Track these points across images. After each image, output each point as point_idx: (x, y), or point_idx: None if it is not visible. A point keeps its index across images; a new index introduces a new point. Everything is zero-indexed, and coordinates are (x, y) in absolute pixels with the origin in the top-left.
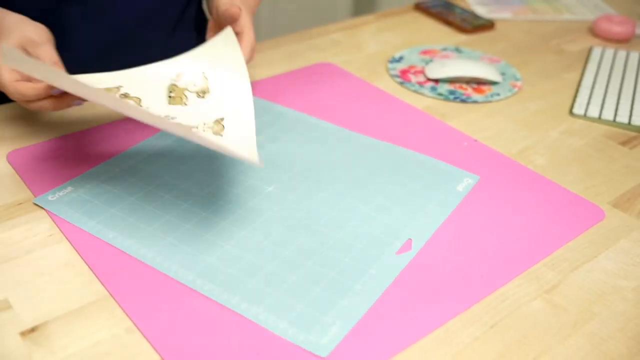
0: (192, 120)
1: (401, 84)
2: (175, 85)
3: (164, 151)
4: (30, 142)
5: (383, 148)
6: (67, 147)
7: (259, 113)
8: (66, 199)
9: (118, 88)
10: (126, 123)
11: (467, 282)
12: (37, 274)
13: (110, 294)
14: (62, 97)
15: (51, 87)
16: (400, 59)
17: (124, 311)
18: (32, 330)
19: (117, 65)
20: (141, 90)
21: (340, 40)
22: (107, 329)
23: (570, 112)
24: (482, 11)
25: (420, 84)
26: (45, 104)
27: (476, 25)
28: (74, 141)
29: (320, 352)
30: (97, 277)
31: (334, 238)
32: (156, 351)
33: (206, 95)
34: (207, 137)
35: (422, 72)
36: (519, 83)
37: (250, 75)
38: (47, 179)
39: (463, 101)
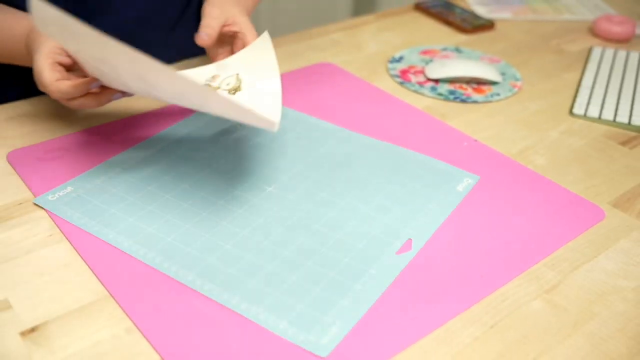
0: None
1: (401, 84)
2: (209, 85)
3: (164, 151)
4: (30, 142)
5: (383, 148)
6: (67, 147)
7: None
8: (66, 199)
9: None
10: (126, 123)
11: (467, 282)
12: (37, 274)
13: (110, 294)
14: (102, 92)
15: (91, 82)
16: (400, 59)
17: (124, 311)
18: (32, 330)
19: None
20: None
21: (340, 40)
22: (107, 329)
23: (570, 112)
24: (482, 11)
25: (420, 84)
26: (86, 100)
27: (476, 25)
28: (74, 141)
29: (320, 352)
30: (97, 277)
31: (334, 238)
32: (156, 351)
33: (237, 93)
34: (229, 98)
35: (422, 72)
36: (519, 83)
37: None
38: (47, 179)
39: (463, 101)
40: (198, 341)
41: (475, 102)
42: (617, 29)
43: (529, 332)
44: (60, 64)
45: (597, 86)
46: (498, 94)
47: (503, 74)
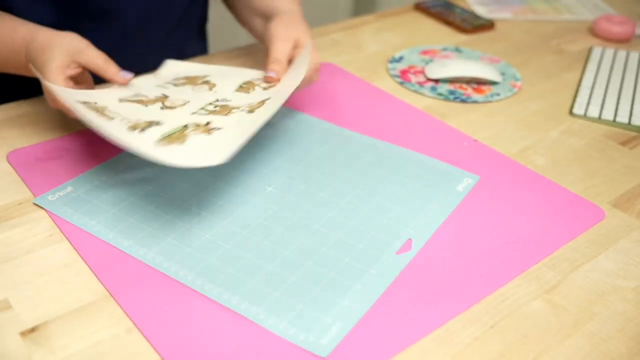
0: (241, 101)
1: (401, 84)
2: (251, 82)
3: None
4: (30, 142)
5: (383, 148)
6: (67, 147)
7: None
8: (66, 199)
9: (204, 77)
10: None
11: (467, 282)
12: (37, 274)
13: (110, 294)
14: None
15: None
16: (400, 59)
17: (124, 311)
18: (32, 330)
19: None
20: (221, 78)
21: (340, 40)
22: (107, 329)
23: (570, 112)
24: (482, 11)
25: (420, 84)
26: None
27: (476, 25)
28: (74, 141)
29: (320, 352)
30: (97, 277)
31: (334, 238)
32: (156, 351)
33: (269, 88)
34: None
35: (422, 72)
36: (519, 83)
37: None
38: (47, 179)
39: (463, 101)
40: (198, 341)
41: (475, 102)
42: (617, 29)
43: (529, 332)
44: (71, 78)
45: (597, 86)
46: (498, 94)
47: (503, 74)
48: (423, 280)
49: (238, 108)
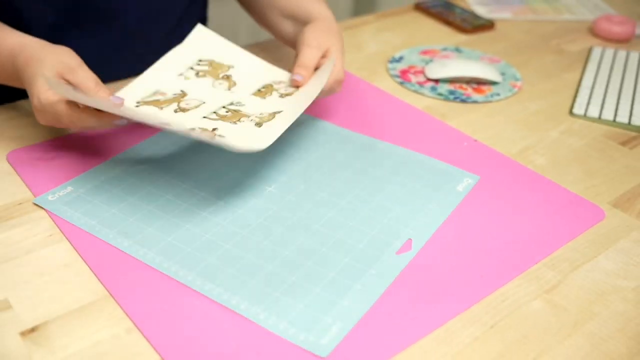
0: (255, 109)
1: (401, 84)
2: (271, 85)
3: (164, 151)
4: (30, 142)
5: (383, 148)
6: (67, 147)
7: None
8: (66, 199)
9: (228, 67)
10: None
11: (467, 282)
12: (37, 274)
13: (110, 294)
14: (105, 114)
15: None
16: (400, 59)
17: (124, 311)
18: (32, 330)
19: (119, 62)
20: (243, 74)
21: None
22: (107, 329)
23: (570, 112)
24: (482, 11)
25: (420, 84)
26: (90, 120)
27: (476, 25)
28: (74, 141)
29: (320, 352)
30: (97, 277)
31: (334, 238)
32: (156, 351)
33: (286, 97)
34: (207, 138)
35: (422, 72)
36: (519, 83)
37: None
38: (47, 179)
39: (463, 101)
40: (198, 341)
41: (475, 102)
42: (617, 29)
43: (529, 332)
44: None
45: (597, 86)
46: (498, 94)
47: (503, 74)
48: (423, 280)
49: (248, 117)
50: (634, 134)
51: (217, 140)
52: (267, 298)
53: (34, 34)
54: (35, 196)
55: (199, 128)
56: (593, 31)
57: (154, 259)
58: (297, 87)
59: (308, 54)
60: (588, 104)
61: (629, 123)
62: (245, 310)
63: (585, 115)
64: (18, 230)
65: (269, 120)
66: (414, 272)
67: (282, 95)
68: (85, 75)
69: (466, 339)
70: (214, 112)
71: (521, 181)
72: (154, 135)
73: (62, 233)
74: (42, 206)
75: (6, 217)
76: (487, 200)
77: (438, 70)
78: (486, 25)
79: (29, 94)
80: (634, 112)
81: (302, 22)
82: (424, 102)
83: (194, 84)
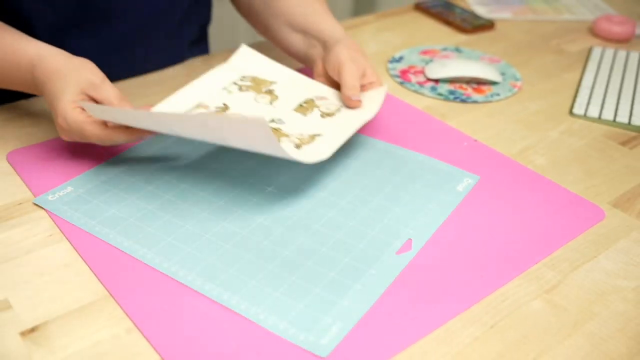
0: (294, 129)
1: (401, 84)
2: (312, 100)
3: (164, 151)
4: (30, 142)
5: (383, 148)
6: (67, 147)
7: None
8: (66, 199)
9: (270, 83)
10: None
11: (467, 282)
12: (37, 274)
13: (110, 294)
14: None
15: (143, 133)
16: (400, 59)
17: (124, 311)
18: (32, 330)
19: (122, 63)
20: (286, 90)
21: None
22: (107, 329)
23: (570, 112)
24: (482, 11)
25: (420, 84)
26: (119, 135)
27: (476, 25)
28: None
29: (320, 352)
30: (97, 277)
31: (334, 238)
32: (156, 351)
33: (327, 118)
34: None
35: (422, 72)
36: (519, 83)
37: None
38: (47, 179)
39: (463, 101)
40: (198, 341)
41: (475, 102)
42: (617, 29)
43: (529, 332)
44: (83, 109)
45: (597, 86)
46: (498, 94)
47: (503, 74)
48: (423, 280)
49: (287, 136)
50: (634, 134)
51: (271, 141)
52: (267, 298)
53: (35, 35)
54: (35, 196)
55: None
56: (593, 31)
57: (154, 259)
58: (353, 107)
59: (352, 74)
60: (588, 104)
61: (629, 123)
62: (245, 310)
63: (585, 115)
64: (18, 230)
65: (308, 143)
66: (414, 272)
67: (323, 115)
68: (108, 91)
69: (466, 339)
70: None
71: (521, 181)
72: (154, 135)
73: (62, 233)
74: (42, 206)
75: (6, 217)
76: (487, 200)
77: (438, 70)
78: (486, 25)
79: (52, 110)
80: (634, 112)
81: (313, 37)
82: (424, 102)
83: (237, 97)
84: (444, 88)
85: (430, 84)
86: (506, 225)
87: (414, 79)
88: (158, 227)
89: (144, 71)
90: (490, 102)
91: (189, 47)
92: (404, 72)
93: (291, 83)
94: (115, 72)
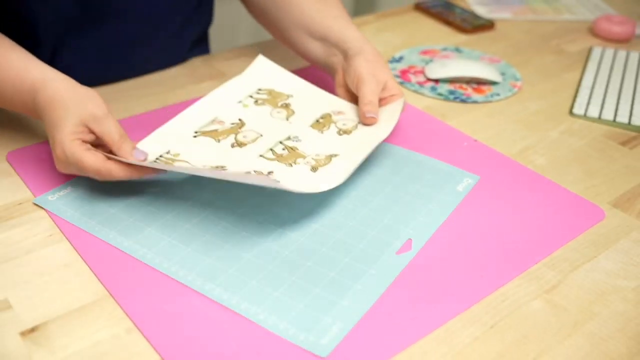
0: (311, 148)
1: (401, 84)
2: (329, 115)
3: None
4: (30, 142)
5: (383, 148)
6: None
7: None
8: (66, 199)
9: (287, 96)
10: (126, 123)
11: (467, 282)
12: (37, 274)
13: (110, 294)
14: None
15: (151, 172)
16: (400, 59)
17: (124, 311)
18: (32, 330)
19: (123, 64)
20: (302, 103)
21: None
22: (107, 329)
23: (570, 112)
24: (482, 11)
25: (420, 84)
26: (120, 171)
27: (476, 25)
28: None
29: (320, 352)
30: (97, 277)
31: (334, 238)
32: (156, 351)
33: (344, 136)
34: (267, 179)
35: (422, 72)
36: (519, 83)
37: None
38: (47, 179)
39: (463, 101)
40: (198, 341)
41: (475, 102)
42: (617, 29)
43: (529, 332)
44: (84, 141)
45: (597, 86)
46: (498, 94)
47: (503, 74)
48: (423, 280)
49: (304, 157)
50: (634, 134)
51: (272, 183)
52: (267, 298)
53: (35, 35)
54: (35, 196)
55: (254, 171)
56: (593, 31)
57: (154, 259)
58: (369, 124)
59: (371, 89)
60: (588, 104)
61: (629, 123)
62: (245, 310)
63: (585, 115)
64: (18, 230)
65: (324, 164)
66: (414, 272)
67: (340, 132)
68: (110, 126)
69: (466, 339)
70: (271, 150)
71: (521, 181)
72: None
73: (62, 233)
74: (42, 206)
75: (6, 217)
76: (487, 200)
77: (438, 70)
78: (486, 25)
79: (50, 140)
80: (634, 112)
81: (334, 45)
82: (424, 102)
83: (252, 112)
84: (444, 88)
85: (430, 84)
86: (506, 225)
87: (414, 79)
88: (158, 227)
89: (144, 72)
90: (490, 102)
91: (192, 49)
92: (404, 72)
93: (308, 96)
94: (115, 72)
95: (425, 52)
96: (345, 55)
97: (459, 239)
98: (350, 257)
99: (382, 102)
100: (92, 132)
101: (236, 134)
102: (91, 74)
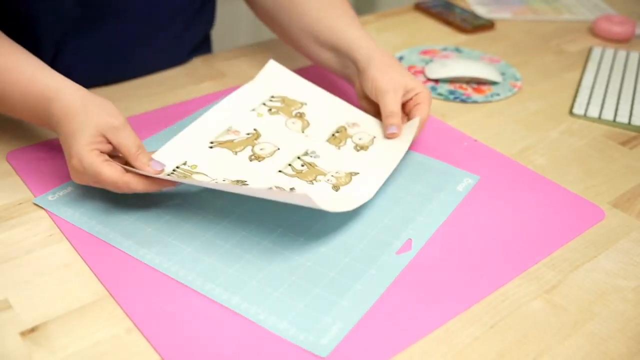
0: (330, 164)
1: None
2: (345, 128)
3: None
4: (30, 142)
5: None
6: None
7: None
8: (66, 199)
9: (300, 104)
10: None
11: (467, 282)
12: (37, 274)
13: (110, 294)
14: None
15: (166, 184)
16: (400, 59)
17: (124, 311)
18: (32, 330)
19: (123, 64)
20: (316, 112)
21: None
22: (107, 329)
23: (570, 112)
24: (482, 11)
25: None
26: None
27: (476, 25)
28: None
29: (320, 352)
30: (97, 277)
31: (334, 238)
32: (156, 351)
33: (361, 152)
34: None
35: (422, 72)
36: (519, 83)
37: (250, 74)
38: (47, 179)
39: (463, 101)
40: (198, 341)
41: (475, 102)
42: (617, 29)
43: (529, 332)
44: (102, 152)
45: (597, 86)
46: (498, 94)
47: (503, 74)
48: (423, 280)
49: (324, 175)
50: (634, 134)
51: (296, 198)
52: (267, 298)
53: (36, 34)
54: (35, 196)
55: (276, 187)
56: (593, 31)
57: (154, 259)
58: (391, 139)
59: (392, 99)
60: (588, 104)
61: (629, 123)
62: (245, 310)
63: (585, 115)
64: (18, 230)
65: (345, 183)
66: (414, 272)
67: (356, 147)
68: (127, 137)
69: (466, 339)
70: (290, 165)
71: (521, 181)
72: (153, 136)
73: (62, 233)
74: (42, 206)
75: (6, 217)
76: (487, 200)
77: (438, 70)
78: (486, 25)
79: (66, 151)
80: (634, 112)
81: (345, 54)
82: None
83: (267, 122)
84: (444, 88)
85: (430, 84)
86: (506, 225)
87: None
88: (158, 227)
89: (144, 72)
90: (490, 102)
91: (194, 50)
92: None
93: (321, 105)
94: (115, 72)
95: (425, 52)
96: (357, 66)
97: (459, 239)
98: (350, 257)
99: (409, 103)
100: (108, 142)
101: (253, 146)
102: (91, 74)
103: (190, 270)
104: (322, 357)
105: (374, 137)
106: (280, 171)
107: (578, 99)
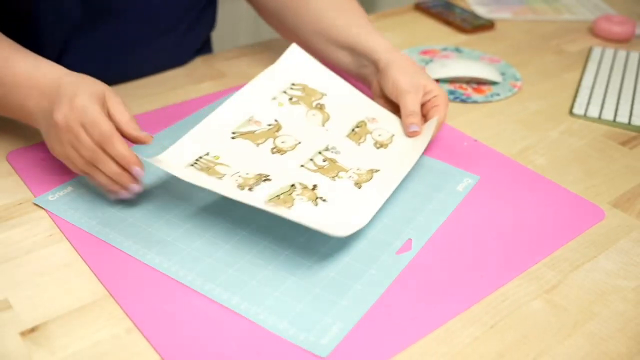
0: (351, 161)
1: None
2: (365, 123)
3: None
4: (30, 142)
5: None
6: None
7: None
8: (66, 199)
9: (321, 95)
10: None
11: (467, 282)
12: (37, 274)
13: (110, 294)
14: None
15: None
16: None
17: (124, 311)
18: (32, 330)
19: (123, 64)
20: (336, 105)
21: None
22: (107, 329)
23: (570, 112)
24: (482, 11)
25: None
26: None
27: (476, 25)
28: None
29: (320, 352)
30: (97, 277)
31: (334, 238)
32: (156, 351)
33: (380, 149)
34: (294, 216)
35: None
36: (519, 83)
37: (250, 74)
38: (47, 179)
39: (463, 101)
40: (198, 341)
41: (475, 102)
42: (617, 29)
43: (529, 332)
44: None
45: (597, 86)
46: (498, 94)
47: (503, 74)
48: (423, 280)
49: (346, 171)
50: (634, 134)
51: (307, 222)
52: (267, 298)
53: (36, 34)
54: (35, 196)
55: (300, 185)
56: (593, 31)
57: (154, 259)
58: (412, 137)
59: (412, 99)
60: (588, 104)
61: (629, 123)
62: (245, 310)
63: (585, 115)
64: (18, 230)
65: (367, 180)
66: (414, 272)
67: (376, 144)
68: (123, 108)
69: (466, 339)
70: (311, 160)
71: (521, 181)
72: (154, 135)
73: (62, 233)
74: (42, 206)
75: (6, 217)
76: (487, 200)
77: (438, 70)
78: (486, 25)
79: (57, 110)
80: (634, 112)
81: (362, 56)
82: None
83: (288, 112)
84: (444, 88)
85: None
86: (506, 225)
87: None
88: (158, 227)
89: (145, 73)
90: (490, 102)
91: (196, 51)
92: None
93: (342, 96)
94: (115, 72)
95: (425, 52)
96: (376, 66)
97: (459, 239)
98: (350, 257)
99: (427, 104)
100: (104, 106)
101: (274, 139)
102: (92, 74)
103: (190, 270)
104: (322, 357)
105: (393, 134)
106: (302, 166)
107: (578, 99)
